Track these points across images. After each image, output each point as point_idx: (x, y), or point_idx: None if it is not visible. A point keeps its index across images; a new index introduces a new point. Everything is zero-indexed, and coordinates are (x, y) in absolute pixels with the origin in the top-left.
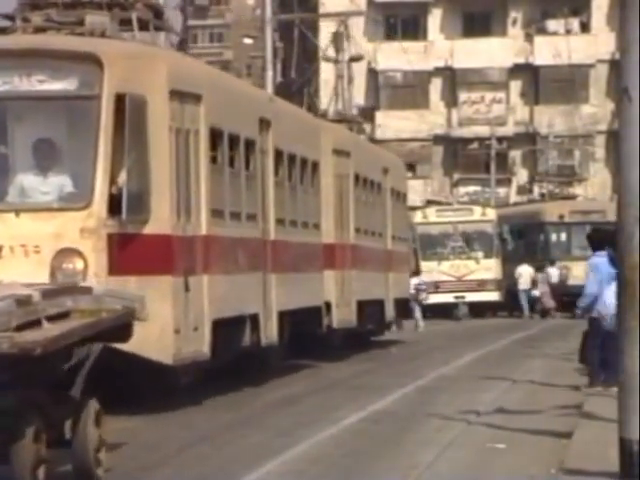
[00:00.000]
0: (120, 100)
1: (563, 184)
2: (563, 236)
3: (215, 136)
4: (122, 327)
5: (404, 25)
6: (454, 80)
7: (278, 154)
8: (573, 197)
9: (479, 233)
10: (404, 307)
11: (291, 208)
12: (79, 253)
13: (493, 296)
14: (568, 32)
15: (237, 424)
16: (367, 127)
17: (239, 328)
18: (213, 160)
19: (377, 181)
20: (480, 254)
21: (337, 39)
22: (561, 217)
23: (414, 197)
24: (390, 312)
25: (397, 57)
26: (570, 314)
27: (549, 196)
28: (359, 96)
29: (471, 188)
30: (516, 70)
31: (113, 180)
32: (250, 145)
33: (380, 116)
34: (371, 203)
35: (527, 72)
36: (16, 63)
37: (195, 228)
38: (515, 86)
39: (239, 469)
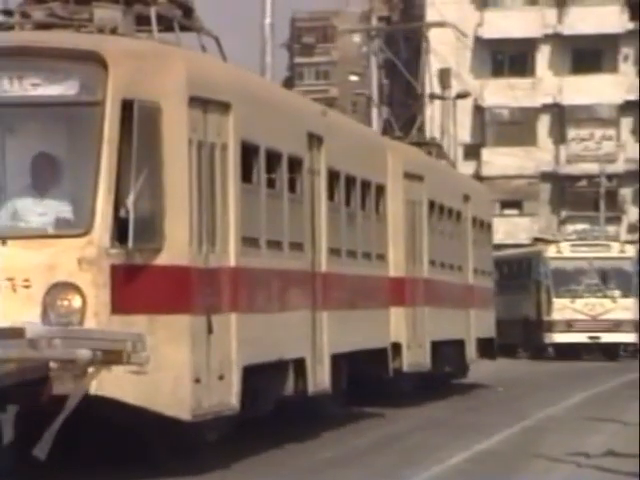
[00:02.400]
0: (128, 107)
1: None
2: None
3: (248, 152)
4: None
5: (511, 62)
6: (562, 117)
7: (333, 175)
8: None
9: (617, 270)
10: (489, 347)
11: (349, 237)
12: (76, 288)
13: (630, 338)
14: None
15: None
16: (473, 164)
17: (279, 375)
18: (246, 180)
19: (456, 209)
20: (617, 292)
21: (443, 75)
22: None
23: (521, 235)
24: (472, 353)
25: (504, 94)
26: None
27: None
28: (465, 133)
29: (579, 226)
30: (627, 107)
31: (119, 201)
32: (296, 163)
33: (486, 153)
34: (449, 233)
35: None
36: (6, 64)
37: (221, 258)
38: (626, 123)
39: None
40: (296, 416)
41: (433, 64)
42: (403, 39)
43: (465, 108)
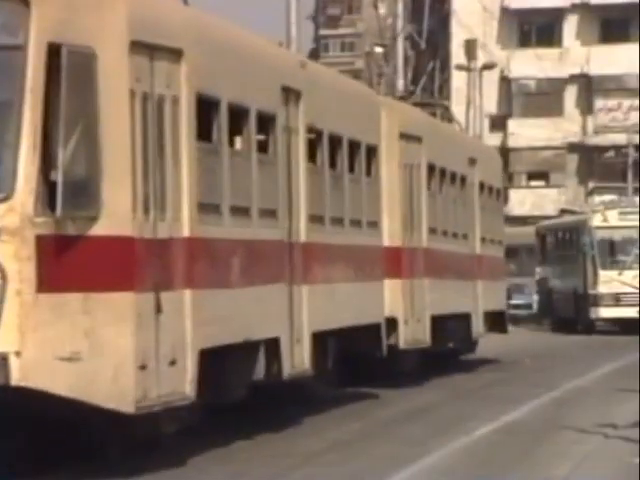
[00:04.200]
0: (55, 52)
1: None
2: None
3: (206, 106)
4: None
5: (538, 32)
6: (590, 87)
7: (314, 133)
8: None
9: None
10: (499, 321)
11: (334, 203)
12: None
13: None
14: None
15: None
16: (499, 135)
17: (247, 358)
18: (204, 138)
19: (461, 173)
20: None
21: (470, 47)
22: None
23: (548, 206)
24: (479, 327)
25: (531, 64)
26: None
27: None
28: (491, 104)
29: (607, 197)
30: None
31: (47, 162)
32: (267, 121)
33: (513, 124)
34: (452, 199)
35: None
36: None
37: (172, 228)
38: None
39: None
40: (276, 401)
41: (459, 35)
42: (428, 8)
43: (491, 79)
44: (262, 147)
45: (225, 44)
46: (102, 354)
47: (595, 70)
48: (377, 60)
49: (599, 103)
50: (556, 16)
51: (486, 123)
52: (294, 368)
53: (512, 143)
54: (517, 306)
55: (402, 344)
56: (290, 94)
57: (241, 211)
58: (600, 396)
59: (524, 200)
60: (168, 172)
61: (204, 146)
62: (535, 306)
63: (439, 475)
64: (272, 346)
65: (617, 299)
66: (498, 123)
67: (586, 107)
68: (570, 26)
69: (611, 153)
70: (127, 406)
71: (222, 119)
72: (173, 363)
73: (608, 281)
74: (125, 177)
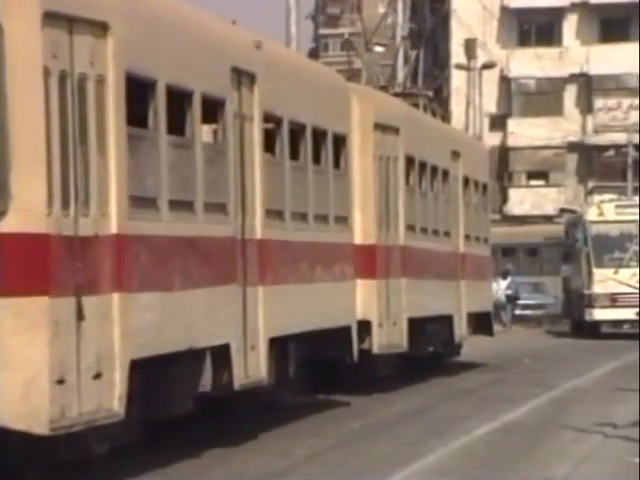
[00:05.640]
0: None
1: None
2: None
3: (139, 87)
4: None
5: (538, 31)
6: (589, 86)
7: (271, 121)
8: None
9: None
10: (484, 323)
11: (295, 196)
12: None
13: None
14: None
15: None
16: (499, 134)
17: (191, 368)
18: (136, 123)
19: (443, 167)
20: None
21: (469, 46)
22: None
23: (548, 206)
24: (462, 330)
25: (531, 64)
26: None
27: None
28: (491, 103)
29: (606, 196)
30: None
31: None
32: (214, 105)
33: (512, 124)
34: (433, 195)
35: None
36: None
37: (98, 224)
38: None
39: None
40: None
41: (459, 34)
42: (428, 8)
43: (491, 78)
44: (209, 134)
45: (162, 19)
46: (9, 368)
47: (595, 69)
48: (377, 60)
49: (599, 102)
50: (556, 15)
51: (486, 122)
52: (248, 378)
53: (512, 142)
54: (527, 306)
55: (376, 349)
56: (243, 77)
57: (183, 205)
58: (599, 396)
59: (524, 199)
60: (92, 161)
61: (137, 132)
62: (559, 307)
63: (439, 475)
64: (221, 354)
65: (613, 300)
66: (498, 122)
67: (586, 106)
68: (570, 25)
69: (611, 152)
70: (40, 426)
71: (159, 102)
72: (98, 376)
73: (603, 280)
74: (38, 167)
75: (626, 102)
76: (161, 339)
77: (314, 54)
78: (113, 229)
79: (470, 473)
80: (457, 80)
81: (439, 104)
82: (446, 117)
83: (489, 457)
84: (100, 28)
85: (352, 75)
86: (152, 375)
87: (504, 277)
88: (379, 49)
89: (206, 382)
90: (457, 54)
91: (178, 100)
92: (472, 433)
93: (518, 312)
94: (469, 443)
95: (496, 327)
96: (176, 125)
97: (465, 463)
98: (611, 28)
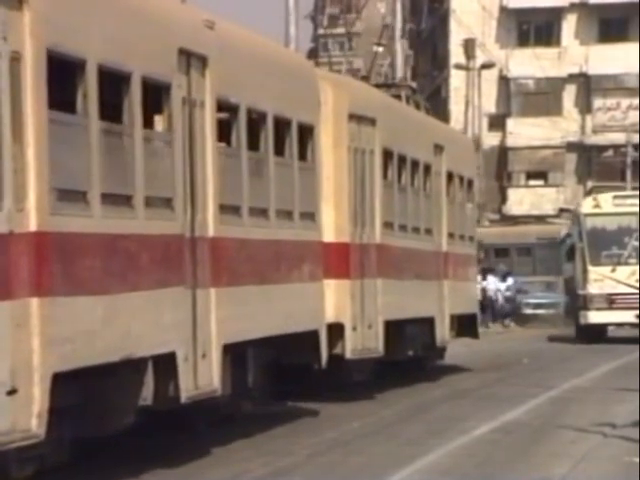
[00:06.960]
0: None
1: None
2: None
3: (65, 68)
4: None
5: (537, 31)
6: (588, 86)
7: (227, 109)
8: None
9: None
10: (470, 325)
11: (254, 191)
12: None
13: None
14: None
15: None
16: (498, 134)
17: (127, 380)
18: (62, 108)
19: (425, 161)
20: None
21: (468, 46)
22: None
23: (546, 206)
24: (444, 333)
25: (530, 64)
26: None
27: None
28: (490, 103)
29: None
30: None
31: None
32: (157, 90)
33: (511, 123)
34: (413, 190)
35: None
36: None
37: (12, 220)
38: None
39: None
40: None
41: (458, 34)
42: (427, 8)
43: (490, 78)
44: (149, 122)
45: None
46: None
47: (594, 69)
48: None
49: (598, 102)
50: (555, 15)
51: (485, 122)
52: (197, 389)
53: (511, 142)
54: (539, 305)
55: (349, 354)
56: (192, 59)
57: (119, 199)
58: (599, 396)
59: (522, 199)
60: (6, 150)
61: (63, 117)
62: (562, 307)
63: (438, 475)
64: (166, 364)
65: (610, 301)
66: (497, 122)
67: (585, 106)
68: (569, 25)
69: (610, 152)
70: None
71: (89, 84)
72: (12, 392)
73: (599, 279)
74: None
75: (625, 102)
76: (92, 349)
77: (313, 54)
78: (32, 226)
79: (469, 473)
80: (456, 80)
81: (438, 104)
82: (429, 109)
83: (488, 457)
84: (13, 1)
85: (352, 75)
86: (83, 389)
87: (503, 279)
88: (379, 49)
89: (147, 395)
90: (456, 54)
91: (114, 83)
92: (471, 433)
93: (530, 311)
94: (468, 443)
95: (496, 328)
96: (112, 111)
97: (464, 463)
98: (610, 28)
